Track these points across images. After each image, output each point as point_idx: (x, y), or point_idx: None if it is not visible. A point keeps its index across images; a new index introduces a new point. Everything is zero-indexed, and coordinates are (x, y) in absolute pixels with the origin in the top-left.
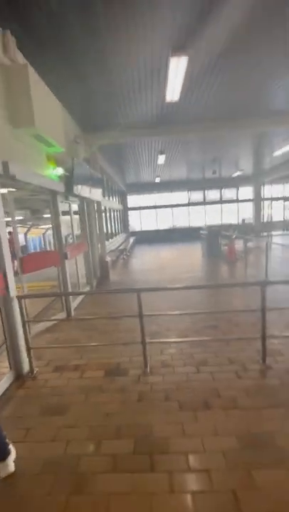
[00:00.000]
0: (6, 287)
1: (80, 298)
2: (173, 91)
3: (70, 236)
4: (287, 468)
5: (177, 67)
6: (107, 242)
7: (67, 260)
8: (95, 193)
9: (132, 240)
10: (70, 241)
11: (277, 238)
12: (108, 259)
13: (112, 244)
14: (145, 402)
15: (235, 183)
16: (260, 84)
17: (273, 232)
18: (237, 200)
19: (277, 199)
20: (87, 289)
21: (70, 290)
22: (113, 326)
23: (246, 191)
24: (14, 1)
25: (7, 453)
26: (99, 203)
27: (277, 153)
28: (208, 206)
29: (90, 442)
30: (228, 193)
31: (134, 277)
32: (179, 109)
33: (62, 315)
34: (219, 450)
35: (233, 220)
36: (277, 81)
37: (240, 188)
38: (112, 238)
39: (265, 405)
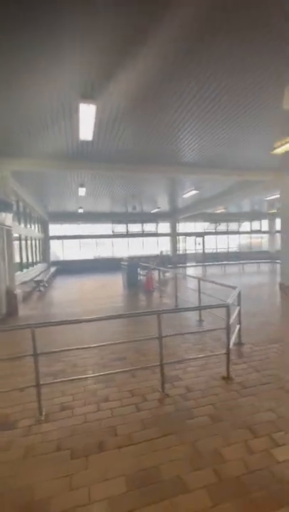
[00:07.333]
0: None
1: None
2: (86, 131)
3: None
4: (169, 503)
5: (87, 112)
6: (19, 273)
7: None
8: (2, 218)
9: (52, 269)
10: None
11: (191, 269)
12: (18, 291)
13: (25, 275)
14: (31, 459)
15: (154, 218)
16: (168, 138)
17: (188, 264)
18: (156, 234)
19: (190, 234)
20: None
21: None
22: (12, 369)
23: (164, 226)
24: None
25: None
26: (9, 230)
27: (186, 195)
28: (130, 238)
29: None
30: (149, 227)
31: (51, 311)
32: (95, 147)
33: None
34: (105, 498)
35: (154, 252)
36: (183, 136)
37: (159, 224)
38: (27, 268)
39: (158, 435)
